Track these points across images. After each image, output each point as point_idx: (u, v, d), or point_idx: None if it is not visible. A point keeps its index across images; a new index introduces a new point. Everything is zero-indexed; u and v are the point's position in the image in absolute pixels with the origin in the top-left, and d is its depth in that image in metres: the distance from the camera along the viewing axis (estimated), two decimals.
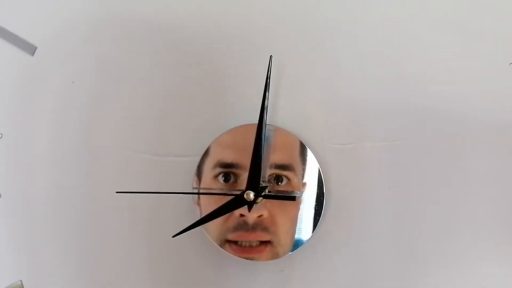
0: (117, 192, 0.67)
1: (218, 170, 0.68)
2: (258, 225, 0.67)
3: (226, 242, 0.68)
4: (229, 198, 0.64)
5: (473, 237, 0.69)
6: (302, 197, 0.67)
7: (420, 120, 0.69)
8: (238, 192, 0.64)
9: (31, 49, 0.74)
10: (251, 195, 0.62)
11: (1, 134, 0.74)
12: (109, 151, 0.73)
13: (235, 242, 0.68)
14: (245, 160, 0.64)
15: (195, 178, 0.69)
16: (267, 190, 0.66)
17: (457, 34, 0.69)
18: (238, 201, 0.63)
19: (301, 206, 0.67)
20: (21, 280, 0.74)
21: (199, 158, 0.69)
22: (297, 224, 0.68)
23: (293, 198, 0.64)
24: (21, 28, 0.74)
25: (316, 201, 0.68)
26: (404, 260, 0.69)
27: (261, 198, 0.65)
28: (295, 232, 0.68)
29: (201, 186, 0.69)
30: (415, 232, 0.69)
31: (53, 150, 0.74)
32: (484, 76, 0.69)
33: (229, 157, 0.68)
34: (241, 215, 0.66)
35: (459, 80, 0.69)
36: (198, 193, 0.69)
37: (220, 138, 0.69)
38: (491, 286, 0.69)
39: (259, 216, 0.67)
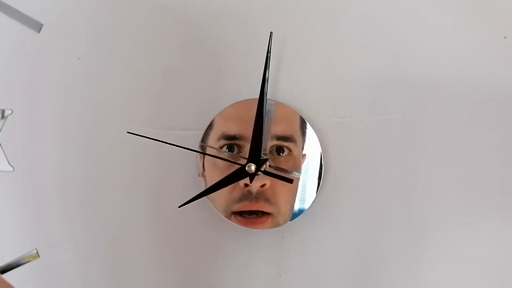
0: (128, 133, 0.68)
1: (222, 142, 0.70)
2: (261, 195, 0.69)
3: (232, 214, 0.70)
4: (233, 166, 0.66)
5: (470, 205, 0.70)
6: (303, 167, 0.69)
7: (419, 93, 0.70)
8: (242, 161, 0.66)
9: (37, 26, 0.74)
10: (253, 167, 0.63)
11: (11, 110, 0.75)
12: (115, 125, 0.74)
13: (240, 214, 0.70)
14: (248, 131, 0.65)
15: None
16: (267, 163, 0.68)
17: (454, 9, 0.69)
18: (240, 173, 0.65)
19: (302, 177, 0.70)
20: (36, 249, 0.77)
21: (203, 131, 0.70)
22: (298, 194, 0.70)
23: (290, 181, 0.64)
24: (27, 6, 0.74)
25: (316, 172, 0.70)
26: (402, 228, 0.71)
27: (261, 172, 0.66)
28: (294, 201, 0.70)
29: (206, 158, 0.71)
30: (413, 201, 0.71)
31: (60, 124, 0.76)
32: (480, 49, 0.69)
33: (232, 129, 0.70)
34: (246, 185, 0.69)
35: (457, 53, 0.69)
36: (205, 153, 0.70)
37: (223, 111, 0.70)
38: (493, 247, 0.70)
39: (262, 186, 0.69)
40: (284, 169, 0.69)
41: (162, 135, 0.71)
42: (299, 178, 0.69)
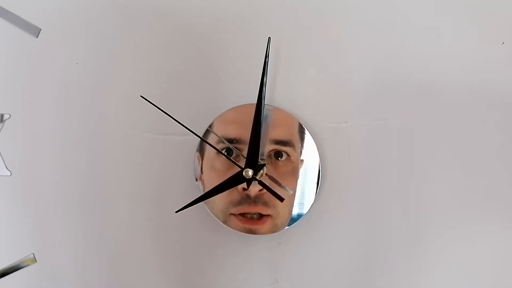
0: (141, 96, 0.66)
1: (222, 145, 0.70)
2: (260, 199, 0.69)
3: (230, 215, 0.71)
4: (232, 169, 0.66)
5: (469, 209, 0.70)
6: (300, 172, 0.70)
7: (415, 98, 0.69)
8: (242, 161, 0.66)
9: (35, 31, 0.74)
10: (250, 172, 0.63)
11: (9, 114, 0.75)
12: (113, 131, 0.75)
13: (241, 214, 0.70)
14: (247, 135, 0.65)
15: (198, 154, 0.71)
16: (265, 169, 0.68)
17: (452, 14, 0.68)
18: (237, 178, 0.64)
19: (299, 182, 0.70)
20: (33, 253, 0.77)
21: (201, 136, 0.70)
22: (296, 199, 0.70)
23: (281, 199, 0.64)
24: (25, 10, 0.74)
25: (314, 178, 0.70)
26: (400, 233, 0.71)
27: (259, 175, 0.66)
28: (293, 205, 0.70)
29: (204, 162, 0.71)
30: (411, 206, 0.71)
31: (59, 129, 0.76)
32: (478, 55, 0.68)
33: (232, 133, 0.70)
34: (244, 189, 0.69)
35: (454, 59, 0.69)
36: (207, 142, 0.68)
37: (222, 115, 0.70)
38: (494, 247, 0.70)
39: (260, 190, 0.69)
40: (279, 182, 0.69)
41: (160, 140, 0.73)
42: (290, 195, 0.69)
